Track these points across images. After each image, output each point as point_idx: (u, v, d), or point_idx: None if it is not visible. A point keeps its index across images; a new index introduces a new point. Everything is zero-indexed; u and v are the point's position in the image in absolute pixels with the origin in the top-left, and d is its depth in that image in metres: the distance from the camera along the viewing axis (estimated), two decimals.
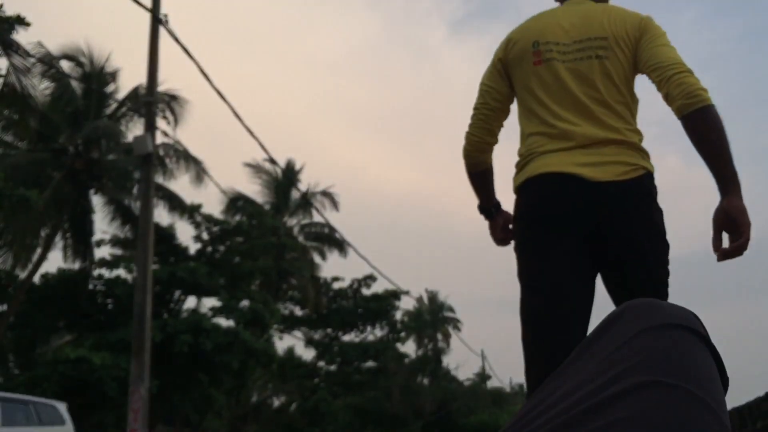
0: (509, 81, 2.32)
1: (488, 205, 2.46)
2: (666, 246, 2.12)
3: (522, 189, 2.18)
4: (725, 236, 2.02)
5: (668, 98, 2.07)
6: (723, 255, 2.04)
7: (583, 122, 2.15)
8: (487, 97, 2.35)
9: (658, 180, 2.23)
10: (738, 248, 2.00)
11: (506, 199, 2.47)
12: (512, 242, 2.27)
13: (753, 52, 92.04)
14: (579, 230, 2.07)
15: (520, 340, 2.08)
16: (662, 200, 2.24)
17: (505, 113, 2.38)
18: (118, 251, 17.86)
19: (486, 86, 2.36)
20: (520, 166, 2.24)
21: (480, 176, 2.42)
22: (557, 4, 2.42)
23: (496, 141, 2.41)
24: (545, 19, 2.31)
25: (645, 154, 2.17)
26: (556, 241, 2.08)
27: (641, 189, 2.09)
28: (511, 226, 2.35)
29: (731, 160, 2.06)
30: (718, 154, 2.04)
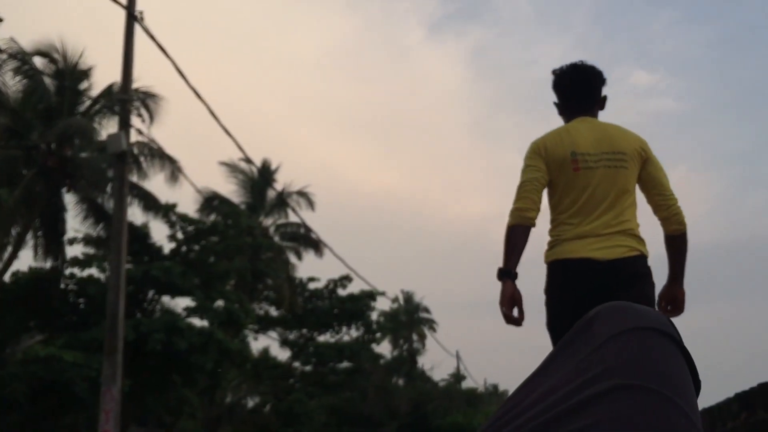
0: (548, 170, 3.05)
1: (511, 268, 2.98)
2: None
3: (553, 265, 2.98)
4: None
5: (664, 220, 3.02)
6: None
7: (603, 217, 2.93)
8: (536, 174, 3.04)
9: None
10: (677, 314, 3.07)
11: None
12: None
13: (723, 59, 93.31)
14: (593, 299, 2.72)
15: None
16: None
17: (543, 189, 3.08)
18: (90, 250, 17.63)
19: (534, 167, 3.05)
20: (550, 245, 3.04)
21: (522, 233, 3.01)
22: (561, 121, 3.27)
23: (539, 208, 3.05)
24: (574, 133, 3.06)
25: (641, 241, 2.98)
26: (576, 308, 2.86)
27: (638, 265, 2.91)
28: (515, 309, 2.97)
29: (685, 263, 3.06)
30: (682, 261, 3.06)
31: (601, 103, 3.23)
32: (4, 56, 14.44)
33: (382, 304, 39.21)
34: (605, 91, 3.26)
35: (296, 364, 26.03)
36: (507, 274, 2.95)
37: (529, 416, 0.67)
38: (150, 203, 17.52)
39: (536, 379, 0.73)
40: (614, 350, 0.69)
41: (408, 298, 35.41)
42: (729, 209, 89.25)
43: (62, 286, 16.87)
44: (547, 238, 3.10)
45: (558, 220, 3.02)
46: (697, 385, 0.71)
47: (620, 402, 0.63)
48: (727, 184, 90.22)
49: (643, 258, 2.93)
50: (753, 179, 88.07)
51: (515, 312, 2.93)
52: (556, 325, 2.94)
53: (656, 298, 2.98)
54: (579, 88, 3.20)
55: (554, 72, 3.24)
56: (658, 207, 3.01)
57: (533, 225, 3.01)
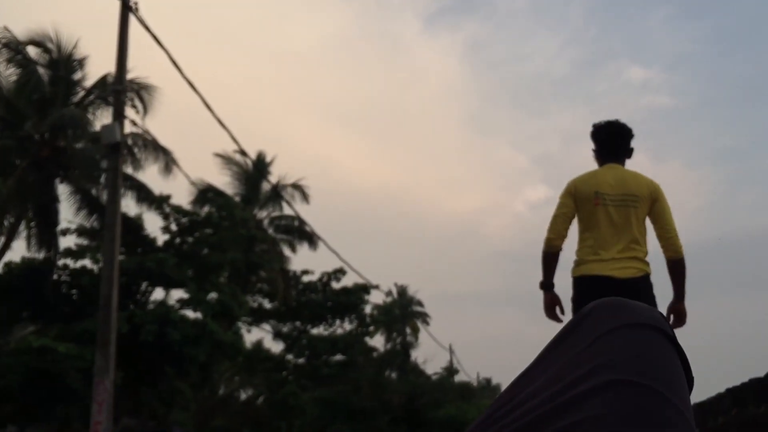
0: (576, 206, 3.88)
1: (548, 282, 3.94)
2: None
3: (577, 280, 3.80)
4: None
5: (664, 248, 3.79)
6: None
7: (617, 244, 3.72)
8: (565, 209, 3.91)
9: None
10: (679, 325, 3.80)
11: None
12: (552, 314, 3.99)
13: (718, 55, 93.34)
14: None
15: None
16: None
17: (572, 221, 3.92)
18: (84, 241, 17.57)
19: (563, 204, 3.92)
20: (576, 264, 3.86)
21: (553, 257, 3.92)
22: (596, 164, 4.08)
23: (567, 235, 3.92)
24: (599, 177, 3.89)
25: (647, 263, 3.79)
26: None
27: (645, 283, 3.74)
28: (557, 308, 3.93)
29: (685, 284, 3.82)
30: (682, 283, 3.81)
31: (629, 153, 4.02)
32: None
33: (376, 298, 39.17)
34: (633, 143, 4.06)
35: (289, 356, 26.03)
36: (544, 286, 3.94)
37: (523, 411, 0.67)
38: (144, 195, 17.48)
39: (530, 374, 0.73)
40: (608, 346, 0.69)
41: (401, 291, 35.46)
42: (722, 205, 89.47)
43: (55, 277, 16.82)
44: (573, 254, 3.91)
45: (583, 244, 3.84)
46: (690, 381, 0.71)
47: (614, 397, 0.63)
48: (720, 180, 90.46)
49: (647, 276, 3.76)
50: (746, 175, 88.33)
51: (557, 312, 3.91)
52: None
53: (658, 308, 3.54)
54: (612, 141, 3.97)
55: (594, 125, 4.03)
56: (659, 237, 3.80)
57: (560, 250, 3.91)
